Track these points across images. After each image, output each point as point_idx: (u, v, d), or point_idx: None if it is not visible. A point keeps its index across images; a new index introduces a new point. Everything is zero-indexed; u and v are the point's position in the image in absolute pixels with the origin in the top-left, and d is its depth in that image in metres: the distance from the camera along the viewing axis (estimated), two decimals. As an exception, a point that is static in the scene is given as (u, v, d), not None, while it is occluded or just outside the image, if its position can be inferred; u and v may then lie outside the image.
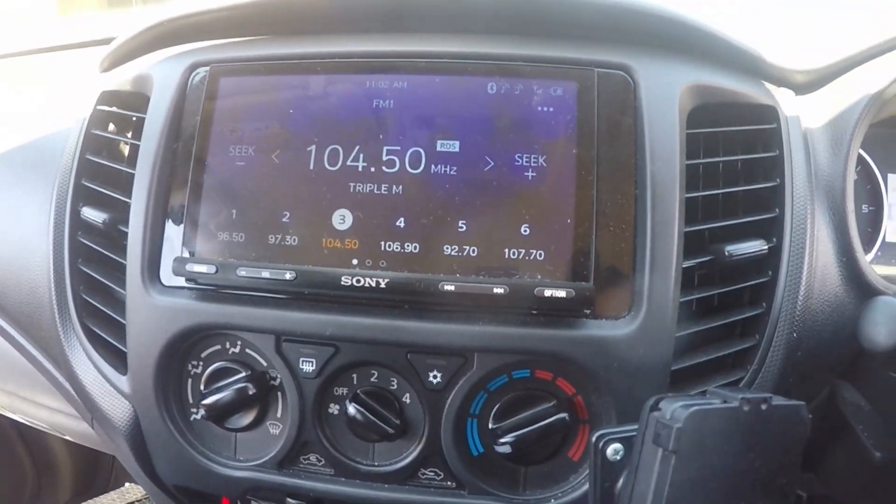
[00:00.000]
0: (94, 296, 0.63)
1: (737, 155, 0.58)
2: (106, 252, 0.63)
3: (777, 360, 0.55)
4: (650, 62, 0.56)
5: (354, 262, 0.53)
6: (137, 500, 1.27)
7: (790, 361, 0.55)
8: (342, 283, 0.52)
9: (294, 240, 0.54)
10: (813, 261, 0.56)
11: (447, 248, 0.53)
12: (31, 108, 0.77)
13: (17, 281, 0.66)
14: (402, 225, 0.53)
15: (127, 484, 1.17)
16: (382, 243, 0.53)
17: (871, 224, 0.76)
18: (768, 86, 0.61)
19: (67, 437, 0.82)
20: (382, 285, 0.52)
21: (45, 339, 0.66)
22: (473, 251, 0.52)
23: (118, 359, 0.61)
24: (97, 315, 0.63)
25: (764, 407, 0.45)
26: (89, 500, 1.15)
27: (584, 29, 0.58)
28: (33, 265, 0.65)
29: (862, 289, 0.57)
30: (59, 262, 0.64)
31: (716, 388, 0.49)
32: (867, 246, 0.76)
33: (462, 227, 0.53)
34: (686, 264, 0.54)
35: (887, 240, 0.76)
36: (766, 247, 0.55)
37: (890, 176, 0.76)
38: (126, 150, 0.68)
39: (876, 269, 0.77)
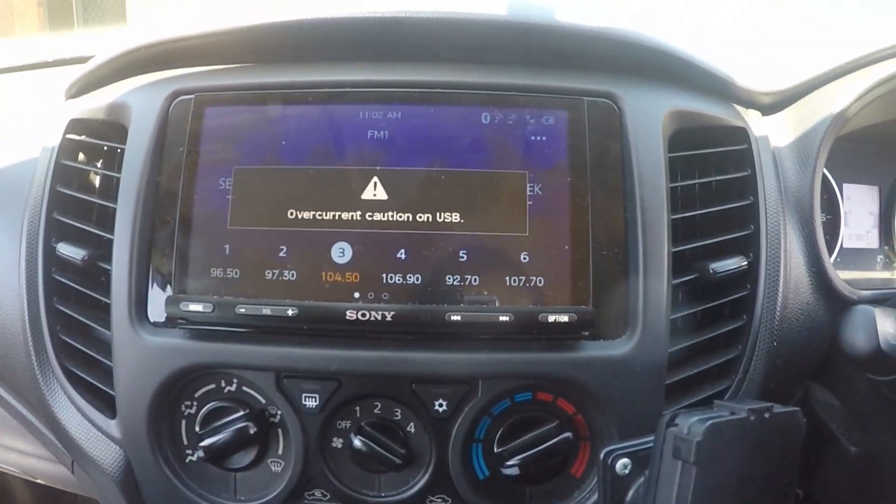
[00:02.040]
0: (73, 336, 0.60)
1: (711, 176, 0.61)
2: (85, 290, 0.60)
3: (760, 368, 0.58)
4: (633, 90, 0.58)
5: (356, 295, 0.53)
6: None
7: (771, 368, 0.58)
8: (347, 317, 0.52)
9: (292, 275, 0.54)
10: (787, 273, 0.59)
11: (449, 279, 0.53)
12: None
13: None
14: (404, 257, 0.53)
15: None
16: (384, 275, 0.53)
17: (830, 232, 0.81)
18: (738, 108, 0.64)
19: (39, 481, 0.77)
20: (389, 318, 0.52)
21: (19, 382, 0.62)
22: (475, 280, 0.53)
23: (104, 402, 0.59)
24: (77, 357, 0.60)
25: (767, 415, 0.48)
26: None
27: (569, 58, 0.60)
28: (4, 304, 0.62)
29: (830, 295, 0.61)
30: (34, 301, 0.60)
31: (720, 401, 0.52)
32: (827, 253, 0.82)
33: (463, 257, 0.53)
34: (674, 282, 0.57)
35: (844, 246, 0.82)
36: (745, 262, 0.59)
37: (845, 185, 0.82)
38: (97, 181, 0.65)
39: (837, 274, 0.82)
